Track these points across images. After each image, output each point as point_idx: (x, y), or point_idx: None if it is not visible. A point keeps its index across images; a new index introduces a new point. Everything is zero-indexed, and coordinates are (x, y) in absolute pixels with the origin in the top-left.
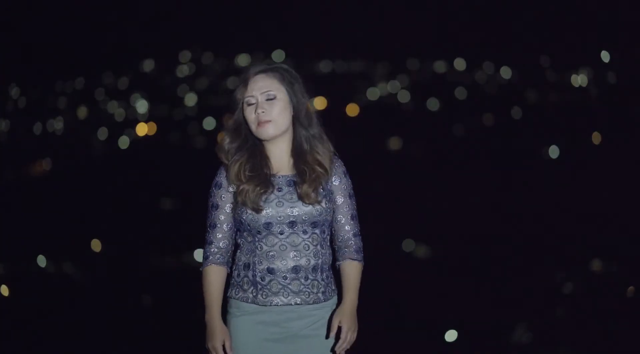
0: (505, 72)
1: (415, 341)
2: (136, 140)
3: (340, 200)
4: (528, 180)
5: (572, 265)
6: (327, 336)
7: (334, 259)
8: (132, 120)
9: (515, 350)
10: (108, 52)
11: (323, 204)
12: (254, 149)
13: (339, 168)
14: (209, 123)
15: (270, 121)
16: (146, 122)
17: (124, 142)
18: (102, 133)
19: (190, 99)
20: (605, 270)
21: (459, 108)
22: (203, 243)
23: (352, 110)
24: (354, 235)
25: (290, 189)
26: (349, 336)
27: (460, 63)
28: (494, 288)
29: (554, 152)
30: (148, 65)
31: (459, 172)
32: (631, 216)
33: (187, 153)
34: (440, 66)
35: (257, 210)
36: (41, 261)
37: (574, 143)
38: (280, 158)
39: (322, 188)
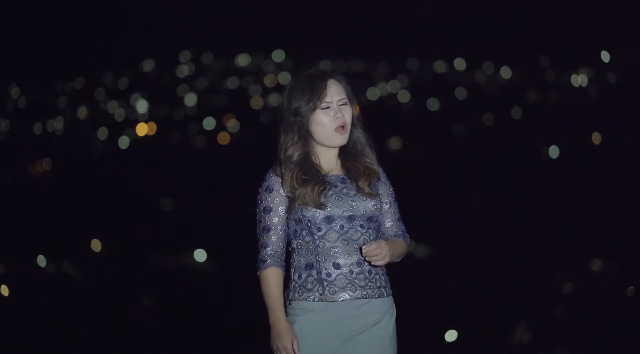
0: (505, 72)
1: (415, 341)
2: (136, 140)
3: (387, 205)
4: (528, 180)
5: (572, 265)
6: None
7: None
8: (132, 120)
9: (515, 350)
10: (108, 52)
11: (379, 199)
12: (305, 155)
13: (382, 174)
14: (209, 123)
15: (344, 126)
16: (146, 122)
17: (124, 142)
18: (102, 133)
19: (190, 99)
20: (605, 270)
21: (459, 108)
22: (257, 248)
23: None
24: (404, 233)
25: (346, 185)
26: (376, 245)
27: (460, 63)
28: (494, 288)
29: (554, 152)
30: (148, 65)
31: (459, 172)
32: (631, 216)
33: (187, 153)
34: (440, 66)
35: (320, 206)
36: (41, 261)
37: (574, 143)
38: (329, 160)
39: (374, 186)
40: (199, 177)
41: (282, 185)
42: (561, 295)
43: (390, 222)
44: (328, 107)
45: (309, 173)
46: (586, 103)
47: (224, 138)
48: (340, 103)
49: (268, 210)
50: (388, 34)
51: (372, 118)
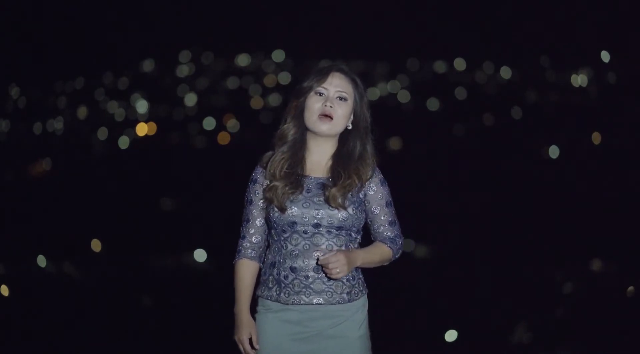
0: (505, 72)
1: (415, 341)
2: (136, 140)
3: (377, 209)
4: (528, 180)
5: (572, 265)
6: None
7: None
8: (132, 120)
9: (515, 350)
10: (108, 52)
11: (350, 210)
12: (298, 145)
13: (376, 177)
14: (209, 123)
15: (331, 118)
16: (146, 122)
17: (124, 142)
18: (102, 133)
19: (190, 99)
20: (605, 270)
21: (459, 108)
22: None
23: None
24: (396, 236)
25: (319, 192)
26: (332, 257)
27: (460, 63)
28: (494, 288)
29: (554, 152)
30: (148, 65)
31: (459, 172)
32: (631, 216)
33: (187, 153)
34: (440, 66)
35: (282, 209)
36: (41, 261)
37: (574, 143)
38: (318, 159)
39: (352, 195)
40: (199, 177)
41: (265, 176)
42: (561, 295)
43: (380, 226)
44: (322, 94)
45: (291, 168)
46: (586, 103)
47: (224, 138)
48: (337, 95)
49: (249, 202)
50: (388, 34)
51: (372, 118)
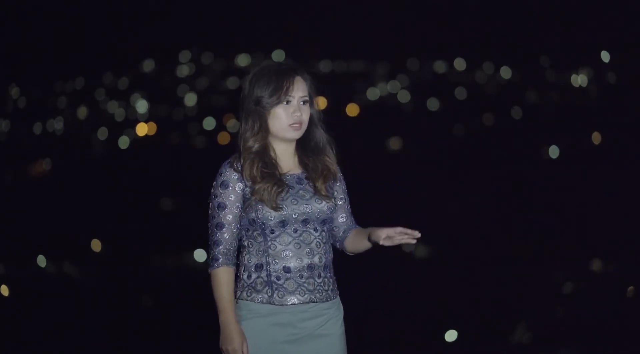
0: (505, 72)
1: (415, 341)
2: (136, 140)
3: (341, 201)
4: (528, 180)
5: (572, 265)
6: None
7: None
8: (132, 120)
9: (515, 350)
10: (108, 52)
11: (334, 201)
12: (263, 149)
13: (339, 172)
14: (209, 123)
15: (302, 124)
16: (146, 122)
17: (124, 142)
18: (102, 133)
19: (190, 99)
20: (605, 270)
21: (459, 108)
22: (208, 244)
23: (352, 110)
24: (355, 226)
25: (302, 186)
26: (392, 235)
27: (460, 63)
28: (494, 288)
29: (554, 152)
30: (148, 65)
31: (459, 172)
32: (631, 216)
33: (187, 153)
34: (440, 66)
35: (276, 208)
36: (41, 261)
37: (574, 143)
38: (287, 157)
39: (330, 187)
40: (199, 177)
41: (239, 181)
42: (561, 295)
43: (344, 217)
44: (288, 102)
45: (267, 168)
46: (586, 103)
47: (224, 138)
48: (302, 100)
49: (222, 206)
50: (388, 34)
51: (372, 118)
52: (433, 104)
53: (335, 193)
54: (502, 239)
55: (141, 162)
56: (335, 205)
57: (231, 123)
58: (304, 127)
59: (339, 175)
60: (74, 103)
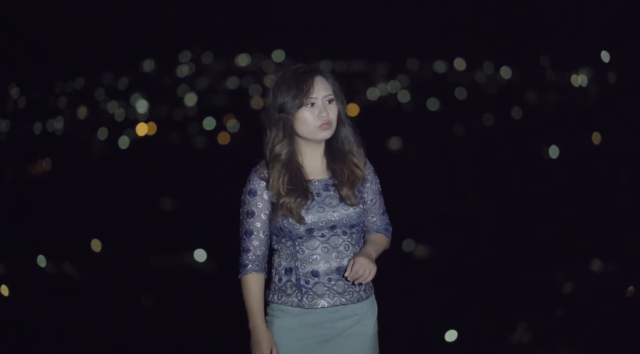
0: (505, 72)
1: (415, 341)
2: (136, 140)
3: (373, 200)
4: (528, 180)
5: (572, 265)
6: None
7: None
8: (132, 120)
9: (515, 350)
10: (108, 52)
11: (362, 206)
12: (290, 155)
13: (369, 169)
14: (209, 123)
15: (330, 123)
16: (146, 122)
17: (124, 142)
18: (102, 133)
19: (190, 99)
20: (605, 270)
21: (459, 108)
22: (239, 250)
23: (352, 110)
24: (388, 225)
25: (329, 193)
26: (357, 267)
27: (460, 63)
28: (493, 288)
29: (554, 152)
30: (148, 65)
31: (459, 172)
32: (631, 216)
33: (187, 153)
34: (440, 66)
35: (300, 219)
36: (41, 261)
37: (574, 143)
38: (314, 161)
39: (359, 191)
40: (199, 177)
41: (266, 189)
42: (561, 295)
43: (374, 217)
44: (313, 104)
45: (294, 180)
46: (586, 103)
47: (224, 138)
48: (326, 100)
49: (250, 214)
50: (388, 34)
51: (372, 118)
52: (433, 104)
53: (365, 194)
54: (502, 239)
55: (141, 162)
56: (364, 209)
57: (231, 123)
58: (334, 125)
59: (370, 172)
60: (74, 103)
